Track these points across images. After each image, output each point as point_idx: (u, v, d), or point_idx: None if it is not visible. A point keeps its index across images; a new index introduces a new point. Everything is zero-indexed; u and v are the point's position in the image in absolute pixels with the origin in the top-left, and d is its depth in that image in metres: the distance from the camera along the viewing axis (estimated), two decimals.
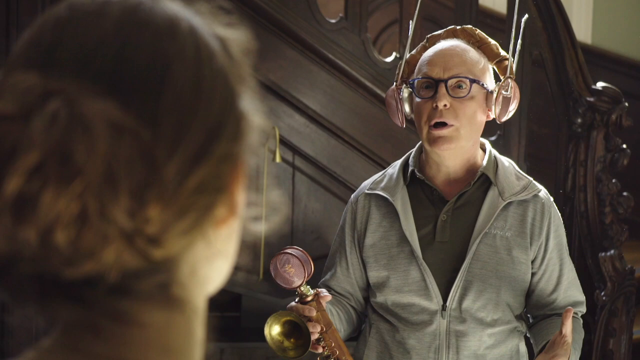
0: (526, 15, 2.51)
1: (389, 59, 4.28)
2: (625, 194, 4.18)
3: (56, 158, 0.65)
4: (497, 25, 4.97)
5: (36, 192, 0.65)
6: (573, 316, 2.34)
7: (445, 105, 2.23)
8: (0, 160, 0.65)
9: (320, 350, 2.22)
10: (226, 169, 0.74)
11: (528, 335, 2.41)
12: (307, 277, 2.17)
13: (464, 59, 2.28)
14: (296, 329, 2.17)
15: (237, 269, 4.10)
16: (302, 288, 2.19)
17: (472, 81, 2.25)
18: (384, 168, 4.24)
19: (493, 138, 4.21)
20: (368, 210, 2.38)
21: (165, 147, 0.69)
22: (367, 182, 2.44)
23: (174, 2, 0.77)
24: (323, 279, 2.45)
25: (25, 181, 0.65)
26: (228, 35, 0.79)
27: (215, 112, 0.73)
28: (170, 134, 0.70)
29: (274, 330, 2.18)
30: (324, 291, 2.24)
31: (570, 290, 2.37)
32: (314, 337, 2.17)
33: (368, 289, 2.41)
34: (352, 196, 2.45)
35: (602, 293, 3.93)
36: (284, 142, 4.13)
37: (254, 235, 0.81)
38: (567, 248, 2.39)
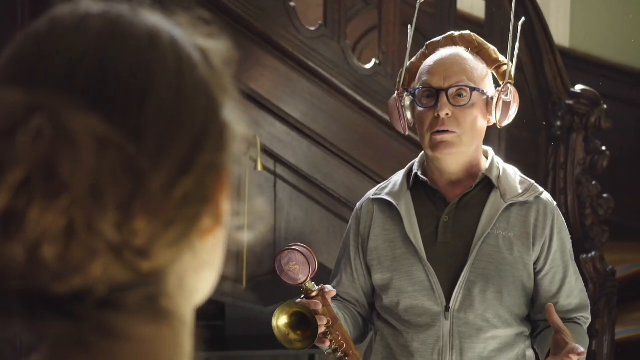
0: (523, 18, 2.53)
1: (368, 66, 4.30)
2: (605, 195, 4.21)
3: (42, 173, 0.65)
4: (476, 30, 4.99)
5: (23, 208, 0.65)
6: (575, 321, 2.35)
7: (447, 114, 2.25)
8: None
9: (327, 343, 2.23)
10: (211, 179, 0.74)
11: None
12: (312, 273, 2.20)
13: (463, 67, 2.30)
14: (303, 322, 2.19)
15: (221, 277, 4.10)
16: (307, 284, 2.21)
17: (472, 89, 2.27)
18: (365, 174, 4.30)
19: None
20: (372, 215, 2.40)
21: (149, 159, 0.69)
22: (373, 190, 2.47)
23: (154, 14, 0.77)
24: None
25: (12, 197, 0.65)
26: (209, 46, 0.79)
27: (199, 122, 0.73)
28: (154, 146, 0.70)
29: (281, 321, 2.19)
30: (328, 287, 2.26)
31: (574, 295, 2.37)
32: (321, 329, 2.18)
33: (373, 295, 2.42)
34: (357, 204, 2.48)
35: None
36: (265, 151, 4.13)
37: (238, 245, 0.81)
38: (572, 252, 2.39)
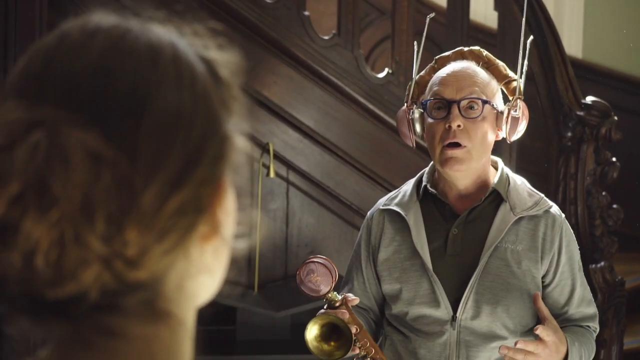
0: (531, 37, 2.54)
1: (381, 75, 4.33)
2: (615, 206, 4.23)
3: (35, 187, 0.70)
4: (489, 40, 5.03)
5: (17, 220, 0.70)
6: (585, 327, 2.39)
7: (458, 126, 2.26)
8: None
9: (357, 350, 2.26)
10: (207, 191, 0.77)
11: None
12: (334, 283, 2.23)
13: (475, 80, 2.31)
14: (333, 332, 2.22)
15: (232, 282, 4.14)
16: (329, 295, 2.24)
17: (484, 102, 2.28)
18: (377, 182, 4.34)
19: None
20: (382, 225, 2.41)
21: (143, 174, 0.72)
22: (383, 199, 2.48)
23: (163, 28, 0.80)
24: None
25: (7, 209, 0.70)
26: (216, 58, 0.82)
27: (196, 137, 0.76)
28: (148, 162, 0.73)
29: (311, 334, 2.23)
30: (350, 295, 2.29)
31: (582, 305, 2.39)
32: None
33: (384, 302, 2.45)
34: (368, 213, 2.49)
35: None
36: (278, 158, 4.17)
37: (240, 252, 0.84)
38: (580, 264, 2.41)
